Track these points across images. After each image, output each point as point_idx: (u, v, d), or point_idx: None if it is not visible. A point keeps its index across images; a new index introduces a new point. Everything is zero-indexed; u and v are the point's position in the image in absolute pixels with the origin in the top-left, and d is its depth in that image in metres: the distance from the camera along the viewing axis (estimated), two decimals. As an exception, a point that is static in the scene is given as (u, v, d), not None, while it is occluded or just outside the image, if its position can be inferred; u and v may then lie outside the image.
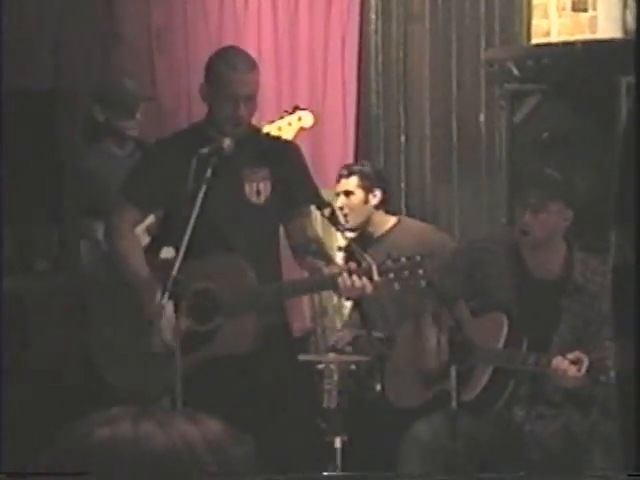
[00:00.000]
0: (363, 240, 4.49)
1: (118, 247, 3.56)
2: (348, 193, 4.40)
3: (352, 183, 4.41)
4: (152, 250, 3.62)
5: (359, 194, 4.39)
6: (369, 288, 3.31)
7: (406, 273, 3.27)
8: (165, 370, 3.27)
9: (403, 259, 3.28)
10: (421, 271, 3.27)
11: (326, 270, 3.40)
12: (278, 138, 3.88)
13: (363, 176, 4.41)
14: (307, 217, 3.55)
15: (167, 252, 3.66)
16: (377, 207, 4.43)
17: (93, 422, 1.15)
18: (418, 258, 3.28)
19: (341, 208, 4.41)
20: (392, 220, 4.49)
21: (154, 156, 3.62)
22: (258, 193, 3.52)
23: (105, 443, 1.12)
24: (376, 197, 4.41)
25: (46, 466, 1.13)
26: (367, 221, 4.42)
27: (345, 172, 4.47)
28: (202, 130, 3.53)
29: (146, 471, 1.11)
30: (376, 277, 3.26)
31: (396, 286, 3.30)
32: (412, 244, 4.26)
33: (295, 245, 3.55)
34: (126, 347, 3.53)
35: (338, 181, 4.47)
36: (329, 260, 3.44)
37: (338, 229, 3.71)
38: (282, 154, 3.57)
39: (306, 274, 3.61)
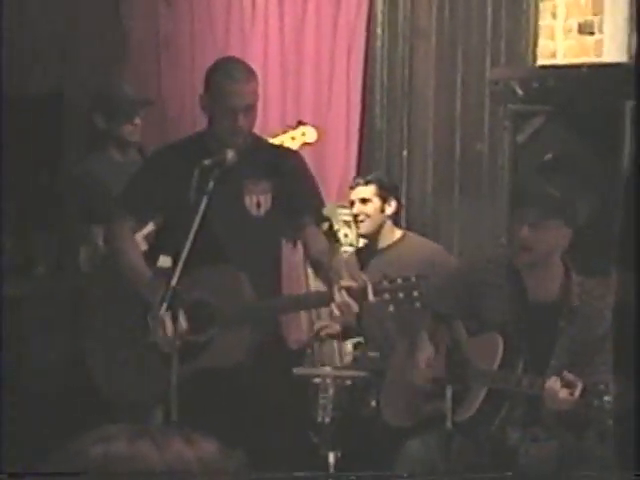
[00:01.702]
0: (366, 251, 4.50)
1: (119, 252, 3.57)
2: (365, 200, 4.45)
3: (370, 191, 4.46)
4: (149, 258, 3.63)
5: (376, 202, 4.44)
6: (362, 309, 3.32)
7: (401, 295, 3.27)
8: (160, 379, 3.26)
9: (399, 280, 3.28)
10: (416, 293, 3.26)
11: (325, 288, 3.40)
12: (281, 148, 3.88)
13: (381, 185, 4.47)
14: (310, 230, 3.54)
15: (164, 261, 3.67)
16: (391, 217, 4.46)
17: (88, 440, 1.15)
18: (414, 279, 3.28)
19: (357, 215, 4.44)
20: (398, 234, 4.51)
21: (154, 164, 3.62)
22: (258, 205, 3.52)
23: (99, 461, 1.12)
24: (391, 207, 4.47)
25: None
26: (379, 230, 4.45)
27: (362, 180, 4.51)
28: (203, 140, 3.53)
29: None
30: (371, 298, 3.26)
31: (391, 307, 3.29)
32: (415, 261, 4.27)
33: (308, 259, 3.57)
34: (122, 354, 3.53)
35: (352, 189, 4.50)
36: (327, 277, 3.44)
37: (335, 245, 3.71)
38: (285, 165, 3.57)
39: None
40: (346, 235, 4.85)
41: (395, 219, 4.53)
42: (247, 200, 3.51)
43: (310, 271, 3.54)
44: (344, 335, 4.45)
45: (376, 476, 3.49)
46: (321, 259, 3.49)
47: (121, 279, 3.54)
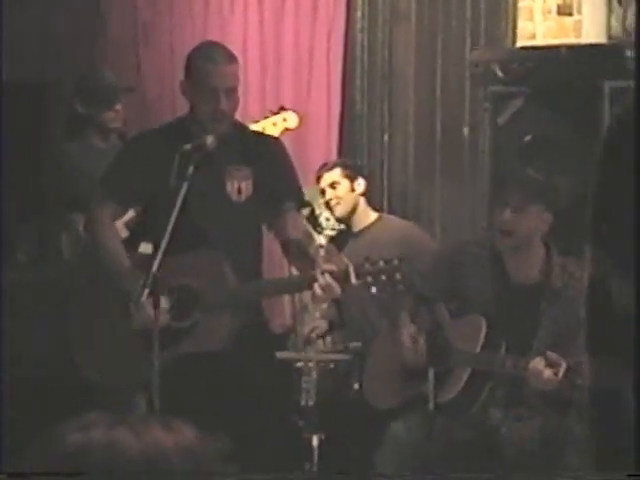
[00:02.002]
0: (343, 234, 4.53)
1: (99, 239, 3.56)
2: (334, 184, 4.52)
3: (336, 174, 4.53)
4: (130, 244, 3.62)
5: (344, 183, 4.52)
6: (344, 291, 3.33)
7: (384, 277, 3.28)
8: (142, 366, 3.27)
9: (381, 262, 3.28)
10: (399, 275, 3.27)
11: (307, 271, 3.40)
12: (262, 134, 3.88)
13: (345, 166, 4.56)
14: (289, 214, 3.54)
15: (145, 247, 3.66)
16: (363, 195, 4.52)
17: (67, 427, 1.16)
18: (396, 262, 3.28)
19: (329, 201, 4.49)
20: (374, 216, 4.55)
21: (135, 150, 3.61)
22: (239, 191, 3.52)
23: (78, 449, 1.13)
24: (360, 185, 4.54)
25: (34, 467, 1.14)
26: (353, 211, 4.49)
27: (327, 167, 4.58)
28: (184, 125, 3.52)
29: (119, 478, 1.12)
30: (354, 280, 3.27)
31: (373, 290, 3.30)
32: (392, 241, 4.30)
33: (281, 243, 3.56)
34: (105, 340, 3.53)
35: (320, 177, 4.54)
36: (309, 261, 3.44)
37: (317, 230, 3.72)
38: (265, 151, 3.57)
39: (292, 272, 3.62)
40: (328, 219, 4.86)
41: (368, 198, 4.57)
42: (228, 186, 3.51)
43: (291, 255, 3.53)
44: (329, 328, 4.48)
45: (360, 475, 3.51)
46: (301, 243, 3.50)
47: (102, 266, 3.53)
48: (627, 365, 1.20)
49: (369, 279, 3.29)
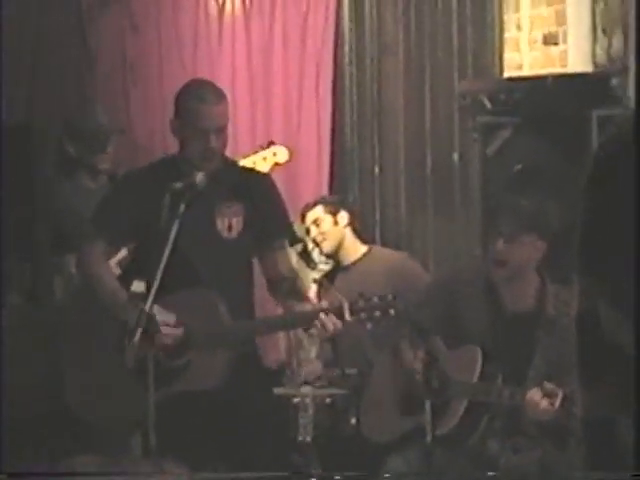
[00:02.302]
0: (334, 268, 4.52)
1: (93, 275, 3.55)
2: (317, 221, 4.52)
3: (318, 211, 4.53)
4: (123, 283, 3.61)
5: (327, 218, 4.54)
6: (340, 327, 3.32)
7: (378, 313, 3.28)
8: (137, 405, 3.25)
9: (375, 299, 3.29)
10: (392, 311, 3.27)
11: (298, 308, 3.40)
12: (252, 170, 3.89)
13: (326, 203, 4.58)
14: (280, 252, 3.55)
15: (137, 286, 3.65)
16: (349, 227, 4.50)
17: (60, 469, 1.15)
18: (390, 297, 3.29)
19: (314, 238, 4.50)
20: (363, 249, 4.56)
21: (125, 188, 3.61)
22: (230, 228, 3.52)
23: None
24: (343, 218, 4.55)
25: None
26: (340, 245, 4.49)
27: (308, 206, 4.59)
28: (174, 164, 3.52)
29: None
30: (348, 317, 3.27)
31: (368, 326, 3.30)
32: (383, 274, 4.30)
33: (268, 280, 3.56)
34: (97, 380, 3.51)
35: (304, 216, 4.55)
36: (301, 298, 3.44)
37: (310, 266, 3.73)
38: (255, 187, 3.58)
39: (281, 309, 3.61)
40: (320, 254, 4.86)
41: (354, 229, 4.57)
42: (219, 223, 3.51)
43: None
44: (325, 367, 4.46)
45: (360, 476, 3.50)
46: (291, 280, 3.49)
47: (96, 306, 3.52)
48: (619, 393, 1.19)
49: (363, 315, 3.29)
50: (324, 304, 3.35)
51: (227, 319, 3.41)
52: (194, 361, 3.41)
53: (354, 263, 4.52)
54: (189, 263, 3.44)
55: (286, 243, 3.57)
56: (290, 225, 3.64)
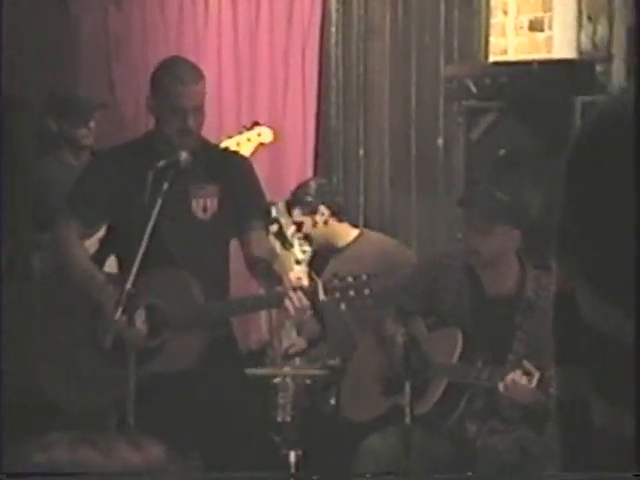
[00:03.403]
0: (325, 251, 4.51)
1: (66, 257, 3.53)
2: (298, 224, 4.45)
3: (297, 214, 4.46)
4: (96, 262, 3.61)
5: (307, 221, 4.45)
6: (308, 306, 3.33)
7: (352, 293, 3.28)
8: (112, 385, 3.25)
9: (349, 278, 3.30)
10: (367, 290, 3.28)
11: (274, 288, 3.40)
12: (228, 152, 3.87)
13: (301, 204, 4.46)
14: (255, 233, 3.53)
15: (110, 266, 3.65)
16: (327, 222, 4.47)
17: (30, 447, 1.15)
18: (364, 277, 3.30)
19: (302, 237, 4.46)
20: (354, 232, 4.53)
21: (100, 167, 3.59)
22: (205, 209, 3.51)
23: (43, 468, 1.13)
24: (324, 215, 4.46)
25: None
26: (327, 237, 4.46)
27: (289, 204, 4.47)
28: (151, 142, 3.51)
29: None
30: (322, 296, 3.27)
31: (342, 306, 3.31)
32: (374, 258, 4.30)
33: (246, 261, 3.56)
34: (73, 361, 3.50)
35: (289, 212, 4.49)
36: (277, 278, 3.44)
37: (285, 247, 3.72)
38: (231, 169, 3.57)
39: (261, 289, 3.62)
40: (300, 238, 4.85)
41: (339, 216, 4.51)
42: (194, 203, 3.50)
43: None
44: (308, 346, 4.47)
45: (338, 476, 3.51)
46: (266, 260, 3.49)
47: (70, 284, 3.51)
48: (593, 375, 1.21)
49: (337, 295, 3.29)
50: (298, 284, 3.35)
51: (200, 299, 3.41)
52: (169, 342, 3.41)
53: (345, 247, 4.50)
54: (163, 243, 3.43)
55: (261, 224, 3.57)
56: (266, 206, 3.64)
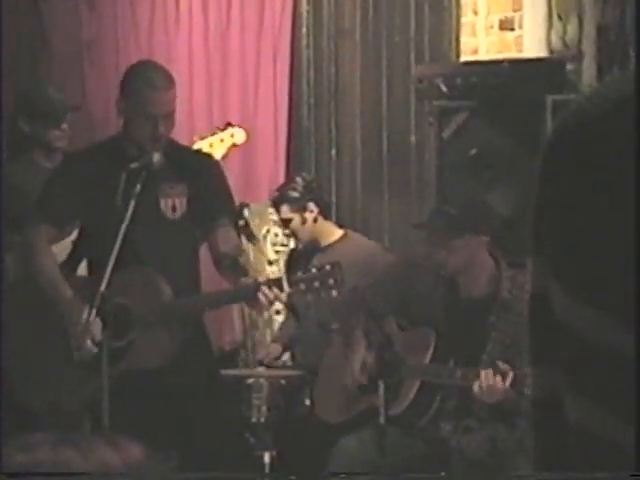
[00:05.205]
0: (309, 249, 4.49)
1: (35, 264, 3.53)
2: (285, 221, 4.41)
3: (285, 211, 4.41)
4: (68, 266, 3.60)
5: (296, 218, 4.39)
6: (281, 300, 3.35)
7: (317, 284, 3.30)
8: (83, 385, 3.24)
9: (313, 269, 3.33)
10: (331, 281, 3.30)
11: (240, 283, 3.41)
12: (197, 153, 3.87)
13: (290, 201, 4.39)
14: (221, 230, 3.53)
15: (82, 269, 3.64)
16: (316, 219, 4.45)
17: (10, 448, 1.15)
18: (328, 267, 3.32)
19: (288, 234, 4.44)
20: (339, 233, 4.50)
21: (70, 170, 3.59)
22: (174, 209, 3.52)
23: (25, 469, 1.12)
24: (313, 212, 4.42)
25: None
26: (313, 235, 4.44)
27: (276, 201, 4.42)
28: (119, 145, 3.51)
29: None
30: (286, 288, 3.29)
31: (308, 297, 3.34)
32: (356, 260, 4.27)
33: (213, 258, 3.57)
34: (44, 363, 3.49)
35: (276, 208, 4.46)
36: (243, 274, 3.45)
37: (251, 242, 3.72)
38: (200, 169, 3.58)
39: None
40: (276, 235, 4.85)
41: (326, 215, 4.50)
42: (162, 203, 3.51)
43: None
44: (283, 350, 4.45)
45: (314, 476, 3.51)
46: (231, 255, 3.50)
47: (39, 289, 3.50)
48: (566, 373, 1.22)
49: (302, 286, 3.31)
50: (262, 277, 3.37)
51: (168, 297, 3.41)
52: (138, 340, 3.40)
53: (328, 246, 4.48)
54: (133, 243, 3.43)
55: (228, 222, 3.57)
56: (232, 205, 3.65)
